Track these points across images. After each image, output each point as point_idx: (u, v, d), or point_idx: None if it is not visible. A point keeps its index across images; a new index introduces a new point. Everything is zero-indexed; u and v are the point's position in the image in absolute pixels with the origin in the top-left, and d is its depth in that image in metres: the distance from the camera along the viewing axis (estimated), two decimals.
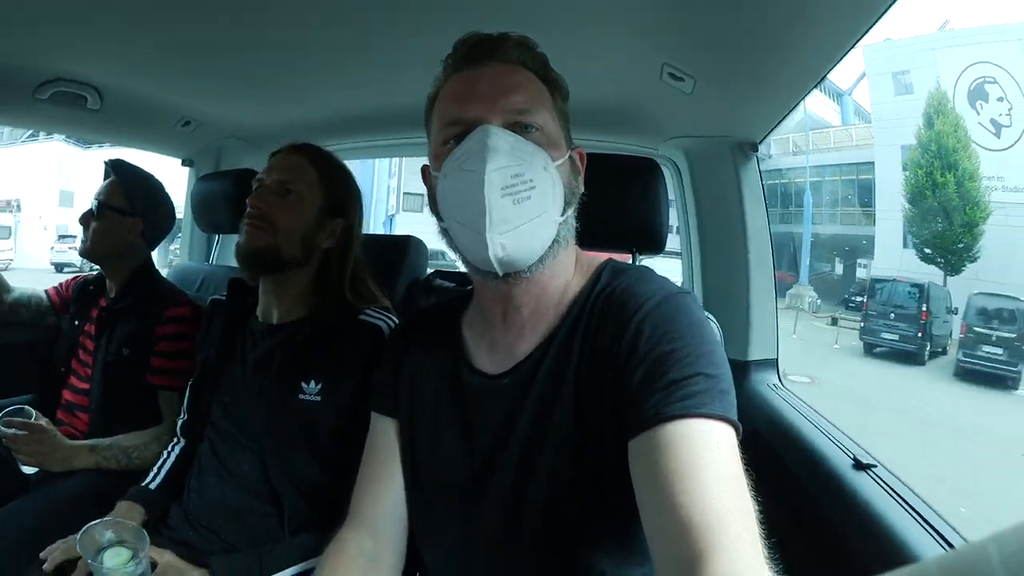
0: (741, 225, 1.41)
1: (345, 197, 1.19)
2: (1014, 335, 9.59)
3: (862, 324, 11.46)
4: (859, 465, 0.97)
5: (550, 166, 0.68)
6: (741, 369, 1.42)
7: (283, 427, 1.05)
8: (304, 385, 1.07)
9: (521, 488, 0.70)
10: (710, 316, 0.99)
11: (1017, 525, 0.18)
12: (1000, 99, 14.09)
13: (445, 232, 0.73)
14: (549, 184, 0.68)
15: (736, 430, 0.59)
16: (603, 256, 0.79)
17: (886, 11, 0.86)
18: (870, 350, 11.15)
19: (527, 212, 0.65)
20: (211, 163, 2.00)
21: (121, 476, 1.27)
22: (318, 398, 1.05)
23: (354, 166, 1.58)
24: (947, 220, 12.75)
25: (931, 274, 12.80)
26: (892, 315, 10.89)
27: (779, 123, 1.29)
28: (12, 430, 1.21)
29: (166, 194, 1.56)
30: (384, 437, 0.84)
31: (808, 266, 16.66)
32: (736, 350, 1.43)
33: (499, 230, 0.65)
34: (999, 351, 9.53)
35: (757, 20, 0.98)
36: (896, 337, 10.77)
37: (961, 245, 12.88)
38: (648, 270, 0.73)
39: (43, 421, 1.25)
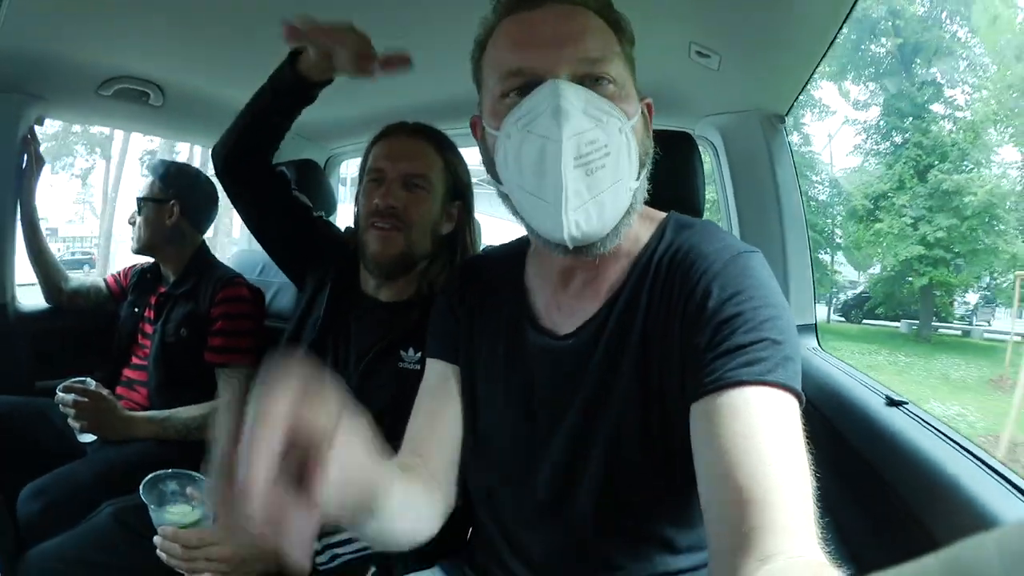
0: (774, 195, 1.51)
1: (465, 178, 1.18)
2: None
3: None
4: (892, 402, 1.00)
5: (625, 126, 0.64)
6: None
7: (378, 394, 1.06)
8: (403, 353, 1.09)
9: (581, 451, 0.70)
10: None
11: (1018, 522, 0.18)
12: None
13: (505, 197, 0.69)
14: (624, 148, 0.64)
15: (799, 400, 0.58)
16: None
17: None
18: None
19: (603, 182, 0.62)
20: None
21: (178, 445, 1.38)
22: (417, 367, 1.05)
23: None
24: None
25: None
26: None
27: (800, 92, 1.39)
28: (70, 396, 1.31)
29: (201, 176, 1.71)
30: (443, 382, 0.81)
31: None
32: None
33: (573, 205, 0.61)
34: None
35: None
36: None
37: None
38: (713, 225, 0.73)
39: (103, 391, 1.35)
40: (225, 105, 1.78)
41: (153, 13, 1.29)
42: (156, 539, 0.93)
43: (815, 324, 1.50)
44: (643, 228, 0.73)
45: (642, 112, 0.69)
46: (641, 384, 0.67)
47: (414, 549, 1.00)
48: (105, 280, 1.81)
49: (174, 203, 1.61)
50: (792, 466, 0.52)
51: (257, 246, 2.23)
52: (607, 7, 0.68)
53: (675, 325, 0.65)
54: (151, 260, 1.70)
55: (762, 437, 0.53)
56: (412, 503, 0.68)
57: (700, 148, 1.64)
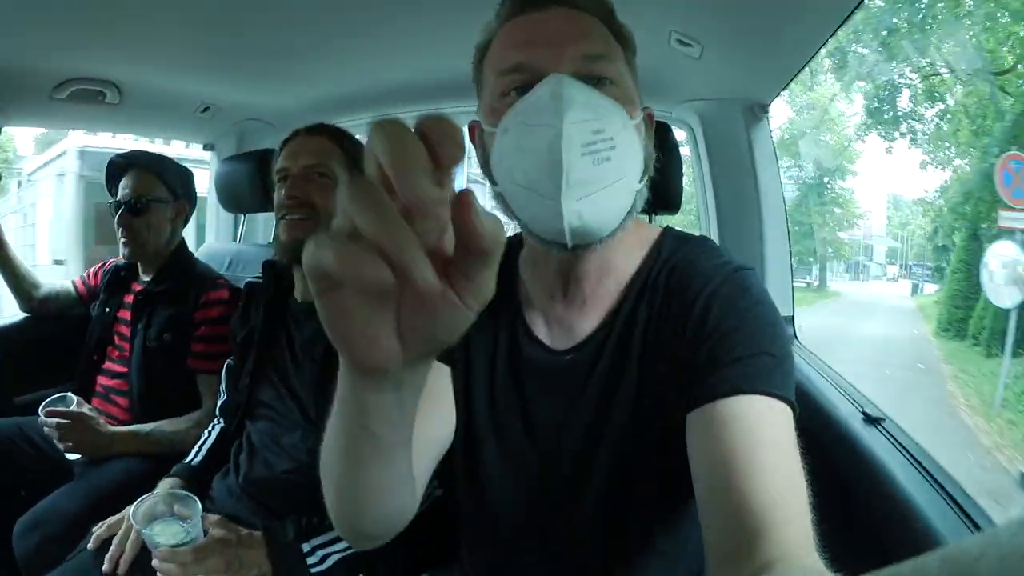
0: (754, 185, 1.50)
1: None
2: None
3: None
4: (869, 419, 1.01)
5: (629, 124, 0.63)
6: None
7: (331, 403, 1.08)
8: None
9: (582, 467, 0.71)
10: None
11: (1012, 523, 0.18)
12: None
13: (500, 197, 0.67)
14: (630, 144, 0.63)
15: (793, 410, 0.59)
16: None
17: None
18: None
19: (607, 175, 0.61)
20: (232, 146, 2.09)
21: (163, 461, 1.35)
22: None
23: None
24: None
25: None
26: None
27: (787, 85, 1.34)
28: (54, 420, 1.28)
29: (189, 171, 1.67)
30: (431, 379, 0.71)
31: None
32: None
33: (576, 195, 0.59)
34: None
35: None
36: None
37: None
38: (708, 241, 0.74)
39: (85, 408, 1.34)
40: (183, 97, 1.78)
41: (100, 11, 1.23)
42: (154, 562, 0.95)
43: (792, 316, 1.51)
44: (639, 243, 0.73)
45: (644, 120, 0.68)
46: (640, 400, 0.68)
47: (401, 556, 1.01)
48: (73, 282, 1.76)
49: (183, 203, 1.59)
50: (789, 474, 0.54)
51: (223, 240, 2.20)
52: (610, 15, 0.69)
53: (674, 340, 0.66)
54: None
55: (759, 445, 0.54)
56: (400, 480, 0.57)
57: (676, 131, 1.60)
